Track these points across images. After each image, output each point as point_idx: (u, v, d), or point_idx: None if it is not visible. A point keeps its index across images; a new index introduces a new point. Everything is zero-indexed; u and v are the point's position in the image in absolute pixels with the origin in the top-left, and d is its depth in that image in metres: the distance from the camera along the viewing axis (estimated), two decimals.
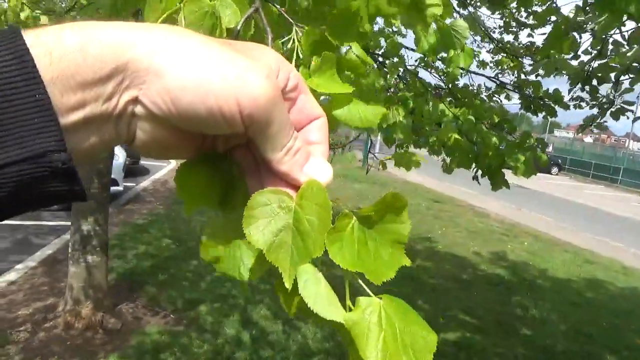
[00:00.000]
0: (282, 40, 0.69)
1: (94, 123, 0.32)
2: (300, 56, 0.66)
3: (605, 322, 5.57)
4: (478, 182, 2.75)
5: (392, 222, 0.41)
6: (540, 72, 3.47)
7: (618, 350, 4.85)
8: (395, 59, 2.73)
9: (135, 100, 0.32)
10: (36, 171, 0.28)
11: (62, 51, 0.29)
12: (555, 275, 7.24)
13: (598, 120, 2.53)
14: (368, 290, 0.40)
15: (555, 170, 26.77)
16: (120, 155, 7.75)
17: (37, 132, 0.28)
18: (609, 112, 2.47)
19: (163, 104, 0.32)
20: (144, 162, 10.60)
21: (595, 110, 2.59)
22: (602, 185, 24.47)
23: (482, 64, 4.32)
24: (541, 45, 3.21)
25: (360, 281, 0.40)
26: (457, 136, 2.25)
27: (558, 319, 5.49)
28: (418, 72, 3.18)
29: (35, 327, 3.73)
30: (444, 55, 3.36)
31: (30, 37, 0.29)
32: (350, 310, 0.39)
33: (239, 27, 0.61)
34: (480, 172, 2.61)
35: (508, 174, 2.60)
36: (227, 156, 0.41)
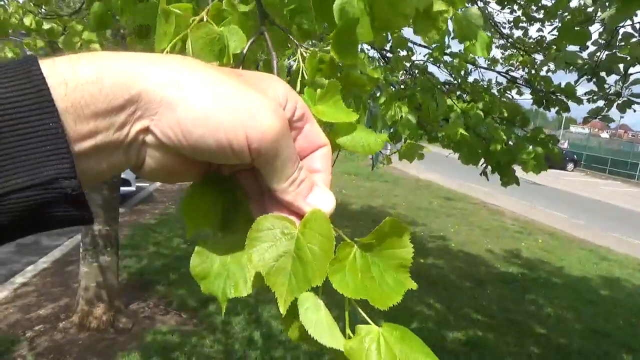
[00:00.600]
0: (288, 61, 0.69)
1: (105, 150, 0.33)
2: (306, 77, 0.66)
3: (621, 321, 5.46)
4: (487, 178, 2.71)
5: (395, 248, 0.41)
6: (551, 66, 3.40)
7: (635, 349, 4.75)
8: (403, 53, 2.70)
9: (147, 130, 0.33)
10: (46, 196, 0.29)
11: (77, 82, 0.30)
12: (571, 273, 7.13)
13: (604, 113, 2.47)
14: (367, 319, 0.40)
15: (570, 166, 26.39)
16: None
17: (49, 159, 0.29)
18: (615, 104, 2.41)
19: (174, 135, 0.33)
20: None
21: (601, 103, 2.54)
22: (619, 181, 24.05)
23: (493, 62, 4.27)
24: (550, 39, 3.15)
25: (360, 310, 0.41)
26: (463, 132, 2.21)
27: (573, 317, 5.39)
28: (427, 66, 3.15)
29: (48, 327, 3.77)
30: (458, 49, 3.32)
31: (47, 66, 0.30)
32: (350, 338, 0.40)
33: (244, 52, 0.62)
34: (489, 167, 2.57)
35: (520, 171, 2.56)
36: (231, 179, 0.42)
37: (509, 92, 3.13)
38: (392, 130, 2.43)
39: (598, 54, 2.24)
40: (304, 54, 0.69)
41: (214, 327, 4.08)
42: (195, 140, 0.33)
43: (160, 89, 0.32)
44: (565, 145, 32.60)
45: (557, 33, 2.24)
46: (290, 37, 0.77)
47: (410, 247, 0.41)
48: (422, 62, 3.01)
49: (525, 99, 3.30)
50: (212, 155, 0.34)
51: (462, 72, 3.15)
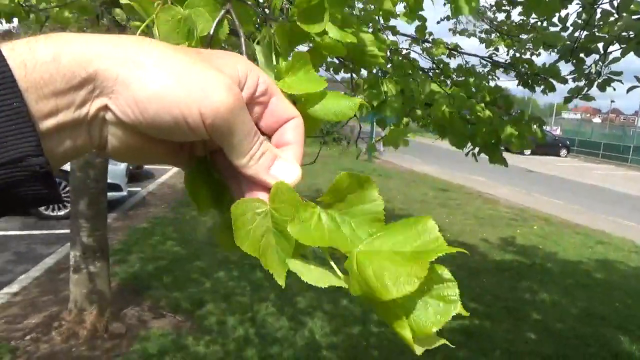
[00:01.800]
0: (257, 39, 0.68)
1: (68, 129, 0.33)
2: (279, 50, 0.65)
3: (617, 303, 5.47)
4: (476, 159, 2.69)
5: (363, 203, 0.40)
6: (536, 49, 3.39)
7: (632, 331, 4.76)
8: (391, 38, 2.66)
9: (106, 108, 0.34)
10: (16, 175, 0.30)
11: (35, 62, 0.31)
12: (566, 258, 7.14)
13: (584, 92, 2.46)
14: (335, 268, 0.40)
15: (564, 152, 26.52)
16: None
17: (16, 138, 0.30)
18: (595, 83, 2.40)
19: (131, 113, 0.34)
20: (148, 166, 10.61)
21: (582, 83, 2.53)
22: (613, 165, 24.18)
23: (482, 40, 4.24)
24: (533, 22, 3.13)
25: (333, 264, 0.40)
26: (449, 109, 2.19)
27: (569, 302, 5.40)
28: (410, 53, 3.13)
29: (40, 336, 3.73)
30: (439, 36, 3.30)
31: (6, 49, 0.31)
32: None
33: (211, 32, 0.61)
34: (476, 149, 2.56)
35: (516, 160, 2.54)
36: (207, 161, 0.44)
37: (493, 73, 3.12)
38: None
39: (576, 34, 2.22)
40: (273, 26, 0.67)
41: (209, 329, 4.05)
42: (152, 117, 0.34)
43: (116, 67, 0.33)
44: (558, 132, 32.73)
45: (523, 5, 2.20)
46: (257, 10, 0.75)
47: (380, 200, 0.40)
48: (404, 49, 2.99)
49: (511, 79, 3.28)
50: (170, 132, 0.35)
51: (446, 58, 3.14)
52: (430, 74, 2.86)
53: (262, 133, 0.41)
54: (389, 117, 2.15)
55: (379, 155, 16.40)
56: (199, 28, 0.58)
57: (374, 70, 2.25)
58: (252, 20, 0.78)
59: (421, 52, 3.14)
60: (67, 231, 4.24)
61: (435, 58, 2.84)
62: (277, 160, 0.40)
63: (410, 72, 2.32)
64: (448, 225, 8.39)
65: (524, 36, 3.64)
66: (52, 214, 6.76)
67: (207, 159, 0.44)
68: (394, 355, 3.89)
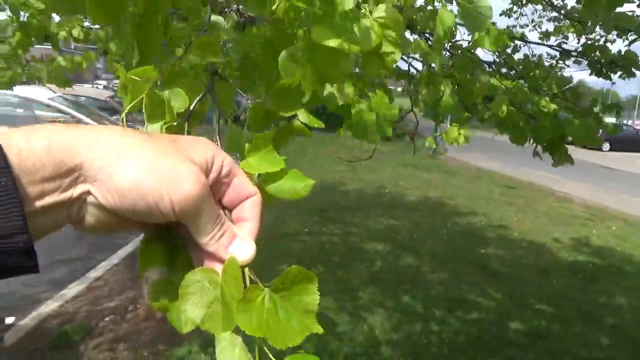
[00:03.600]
0: (233, 115, 0.79)
1: (52, 209, 0.38)
2: (247, 130, 0.75)
3: None
4: (540, 157, 2.57)
5: (302, 294, 0.46)
6: (599, 30, 3.16)
7: None
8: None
9: (88, 192, 0.40)
10: (1, 248, 0.35)
11: (29, 152, 0.36)
12: None
13: None
14: (271, 357, 0.45)
15: None
16: None
17: (5, 217, 0.35)
18: None
19: (112, 199, 0.39)
20: None
21: None
22: None
23: (545, 35, 4.04)
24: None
25: (266, 349, 0.45)
26: (509, 107, 2.11)
27: None
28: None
29: (119, 318, 4.03)
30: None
31: (3, 139, 0.36)
32: None
33: (192, 108, 0.73)
34: (539, 147, 2.44)
35: (595, 157, 2.39)
36: (171, 229, 0.49)
37: (562, 63, 2.95)
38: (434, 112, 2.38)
39: None
40: (249, 105, 0.77)
41: None
42: (130, 203, 0.39)
43: (100, 160, 0.39)
44: None
45: None
46: (239, 90, 0.81)
47: (317, 295, 0.46)
48: (463, 42, 2.91)
49: (584, 69, 3.10)
50: (144, 215, 0.41)
51: (510, 50, 3.02)
52: (493, 67, 2.77)
53: (225, 208, 0.48)
54: (445, 114, 2.12)
55: (442, 151, 15.97)
56: (176, 106, 0.68)
57: (432, 65, 2.23)
58: (231, 98, 0.87)
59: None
60: None
61: (496, 52, 2.75)
62: (235, 240, 0.46)
63: (469, 66, 2.26)
64: (516, 224, 8.05)
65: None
66: None
67: (171, 225, 0.48)
68: (455, 353, 3.81)
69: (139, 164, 0.39)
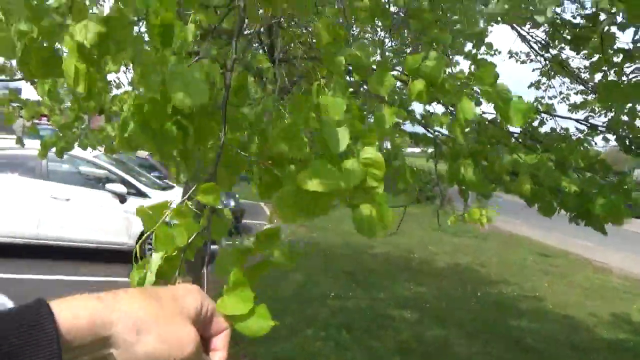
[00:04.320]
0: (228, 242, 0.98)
1: None
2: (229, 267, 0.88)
3: None
4: (576, 223, 2.52)
5: None
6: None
7: None
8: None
9: (111, 354, 0.53)
10: None
11: (72, 325, 0.49)
12: None
13: None
14: None
15: None
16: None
17: None
18: None
19: None
20: (246, 220, 11.17)
21: None
22: None
23: (574, 107, 4.09)
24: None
25: None
26: (532, 186, 2.14)
27: None
28: (496, 118, 3.10)
29: None
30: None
31: (56, 310, 0.49)
32: None
33: (189, 241, 0.93)
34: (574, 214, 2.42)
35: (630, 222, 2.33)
36: None
37: (590, 138, 2.97)
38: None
39: None
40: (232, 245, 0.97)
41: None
42: None
43: (124, 334, 0.52)
44: None
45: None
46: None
47: None
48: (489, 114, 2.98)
49: (614, 146, 3.11)
50: None
51: (536, 123, 3.07)
52: (519, 140, 2.80)
53: (206, 338, 0.64)
54: (469, 191, 2.16)
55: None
56: (178, 241, 0.90)
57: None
58: (225, 232, 1.04)
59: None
60: None
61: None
62: None
63: (494, 141, 2.32)
64: (550, 296, 7.72)
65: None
66: None
67: None
68: None
69: (153, 335, 0.54)
